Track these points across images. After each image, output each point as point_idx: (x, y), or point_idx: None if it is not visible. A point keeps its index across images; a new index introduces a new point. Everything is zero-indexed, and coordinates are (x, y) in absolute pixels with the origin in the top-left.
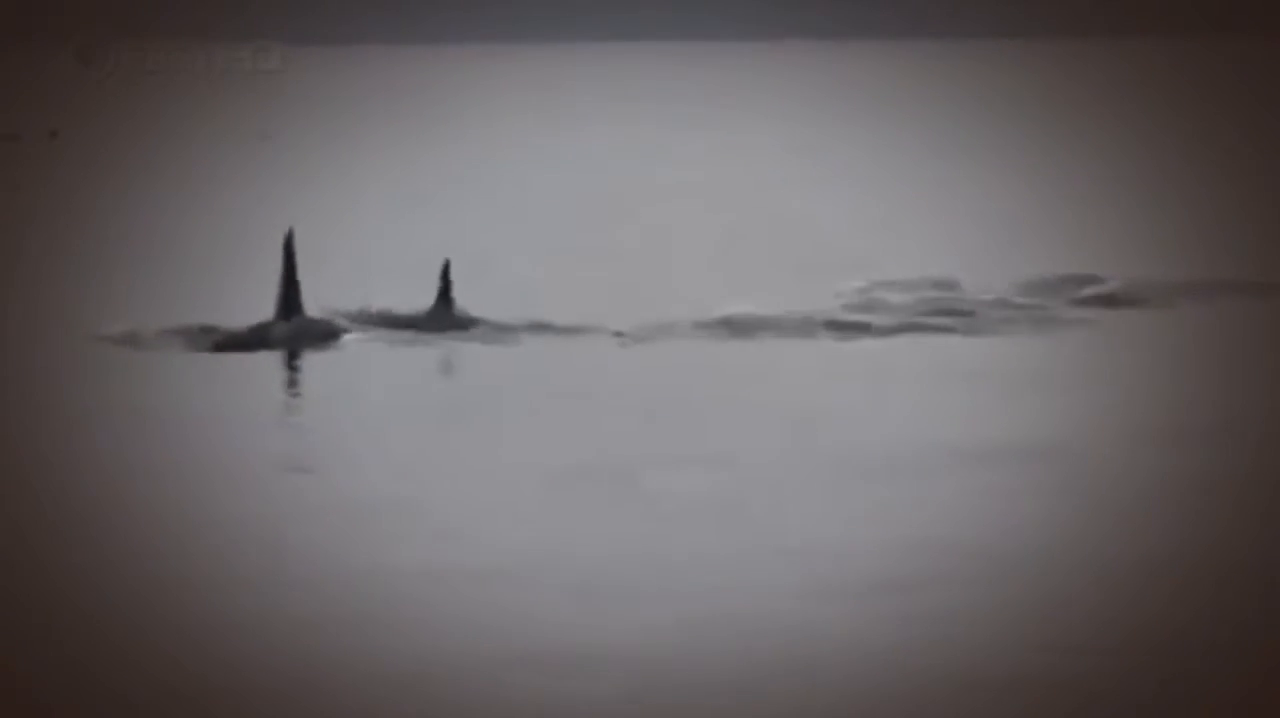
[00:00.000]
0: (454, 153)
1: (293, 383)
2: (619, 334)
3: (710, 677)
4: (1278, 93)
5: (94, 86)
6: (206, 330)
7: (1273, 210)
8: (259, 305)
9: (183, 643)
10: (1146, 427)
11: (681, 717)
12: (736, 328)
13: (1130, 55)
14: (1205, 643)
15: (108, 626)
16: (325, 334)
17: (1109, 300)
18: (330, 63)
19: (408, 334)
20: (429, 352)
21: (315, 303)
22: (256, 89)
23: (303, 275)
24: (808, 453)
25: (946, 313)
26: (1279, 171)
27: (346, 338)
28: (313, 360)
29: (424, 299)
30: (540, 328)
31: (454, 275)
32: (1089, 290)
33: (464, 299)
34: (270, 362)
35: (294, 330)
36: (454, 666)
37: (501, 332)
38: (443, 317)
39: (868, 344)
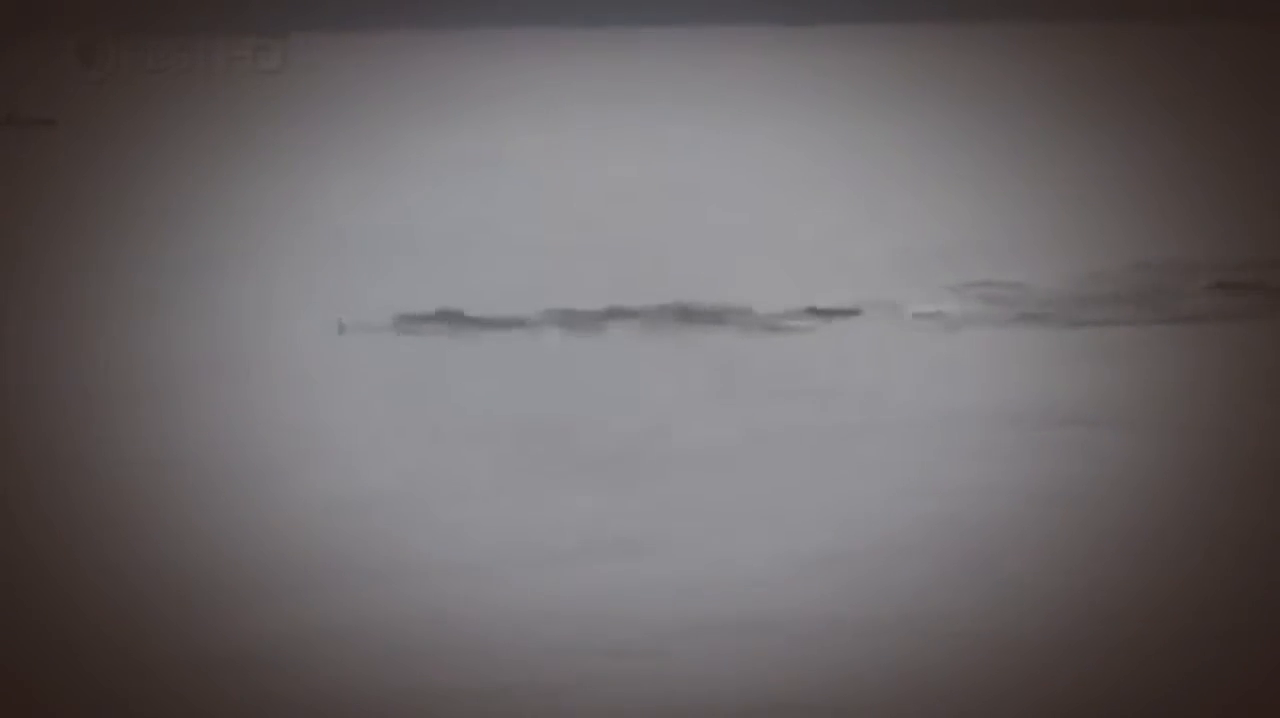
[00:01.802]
0: (455, 143)
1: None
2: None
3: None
4: None
5: (95, 85)
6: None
7: None
8: (264, 304)
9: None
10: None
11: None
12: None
13: (1141, 41)
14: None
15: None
16: None
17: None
18: (332, 53)
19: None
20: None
21: (330, 299)
22: (257, 88)
23: (318, 269)
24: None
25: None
26: None
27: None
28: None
29: (442, 289)
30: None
31: (458, 265)
32: (1106, 288)
33: (472, 290)
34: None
35: None
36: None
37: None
38: None
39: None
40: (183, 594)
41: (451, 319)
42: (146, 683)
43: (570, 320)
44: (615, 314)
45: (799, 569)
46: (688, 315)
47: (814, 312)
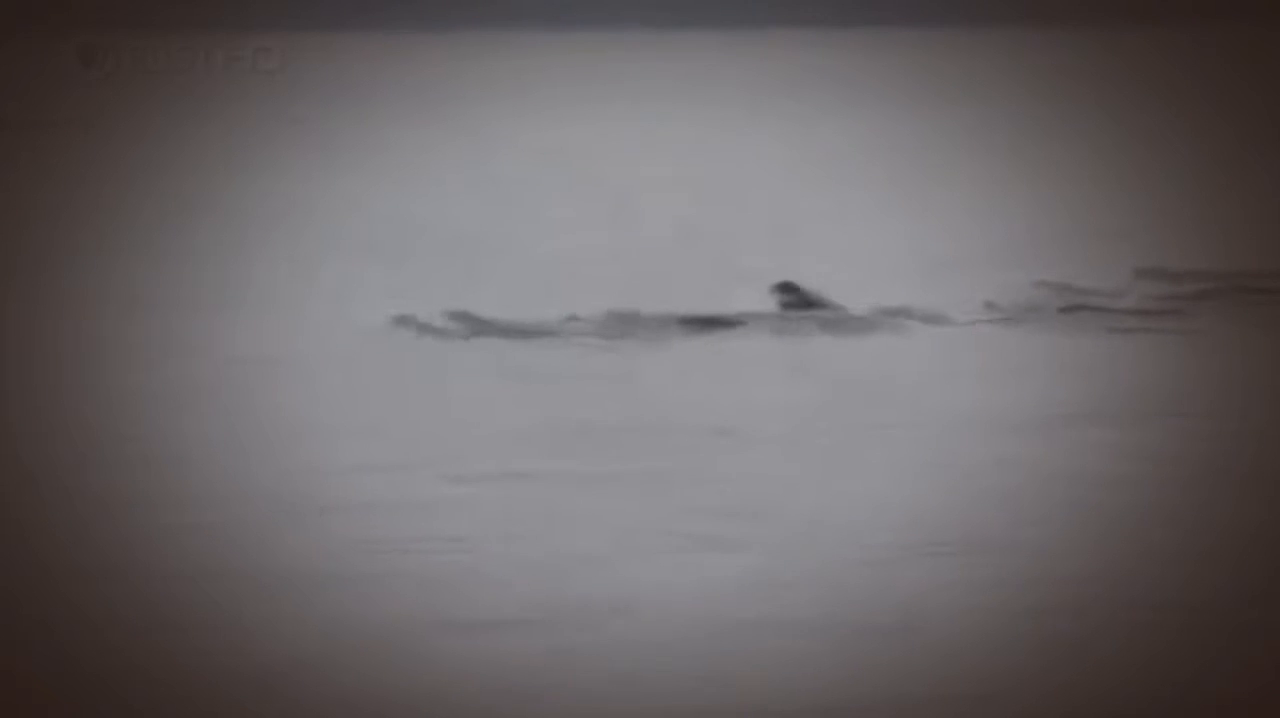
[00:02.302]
0: (451, 142)
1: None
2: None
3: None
4: None
5: (95, 85)
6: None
7: None
8: (265, 303)
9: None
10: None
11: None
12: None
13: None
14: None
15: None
16: None
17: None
18: (333, 53)
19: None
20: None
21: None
22: (257, 87)
23: (314, 269)
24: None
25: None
26: None
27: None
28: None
29: (447, 292)
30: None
31: (454, 269)
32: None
33: (478, 294)
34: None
35: None
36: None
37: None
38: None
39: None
40: (183, 596)
41: (461, 321)
42: (157, 691)
43: (586, 325)
44: (622, 318)
45: (829, 570)
46: (697, 320)
47: (828, 315)
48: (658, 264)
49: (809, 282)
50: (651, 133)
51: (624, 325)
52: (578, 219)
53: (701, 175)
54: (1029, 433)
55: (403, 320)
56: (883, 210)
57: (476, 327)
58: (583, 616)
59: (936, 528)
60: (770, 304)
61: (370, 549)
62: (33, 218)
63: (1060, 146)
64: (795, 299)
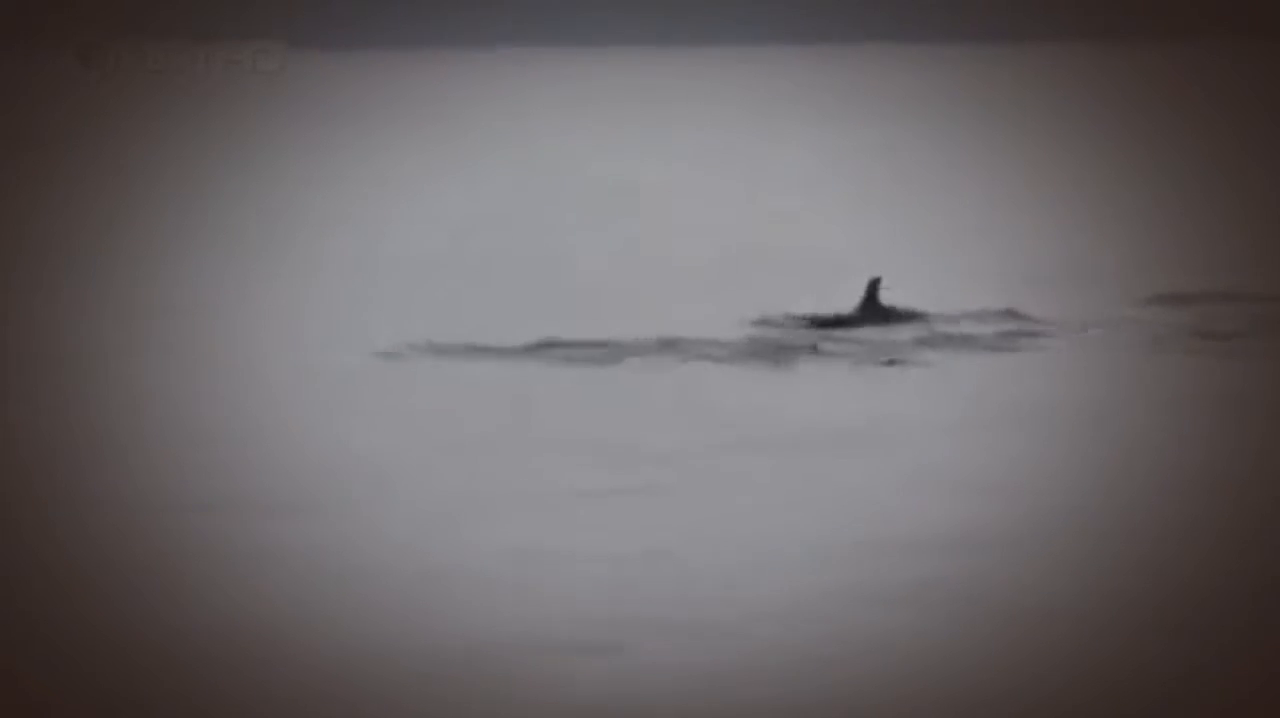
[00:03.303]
0: (454, 156)
1: None
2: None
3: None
4: None
5: (94, 86)
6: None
7: None
8: (261, 303)
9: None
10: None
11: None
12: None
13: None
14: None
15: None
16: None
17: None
18: (331, 66)
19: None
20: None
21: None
22: (257, 90)
23: (304, 281)
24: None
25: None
26: None
27: None
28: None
29: (444, 303)
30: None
31: (460, 282)
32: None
33: (484, 309)
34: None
35: None
36: None
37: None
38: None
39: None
40: (183, 596)
41: (453, 341)
42: (158, 691)
43: (612, 348)
44: (650, 339)
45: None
46: (671, 346)
47: (854, 334)
48: (663, 279)
49: (833, 301)
50: (653, 142)
51: (653, 344)
52: (579, 226)
53: (695, 184)
54: (1030, 439)
55: (410, 334)
56: (898, 224)
57: (477, 345)
58: (654, 634)
59: (937, 533)
60: (790, 323)
61: (432, 561)
62: (31, 218)
63: (1075, 160)
64: (818, 318)
